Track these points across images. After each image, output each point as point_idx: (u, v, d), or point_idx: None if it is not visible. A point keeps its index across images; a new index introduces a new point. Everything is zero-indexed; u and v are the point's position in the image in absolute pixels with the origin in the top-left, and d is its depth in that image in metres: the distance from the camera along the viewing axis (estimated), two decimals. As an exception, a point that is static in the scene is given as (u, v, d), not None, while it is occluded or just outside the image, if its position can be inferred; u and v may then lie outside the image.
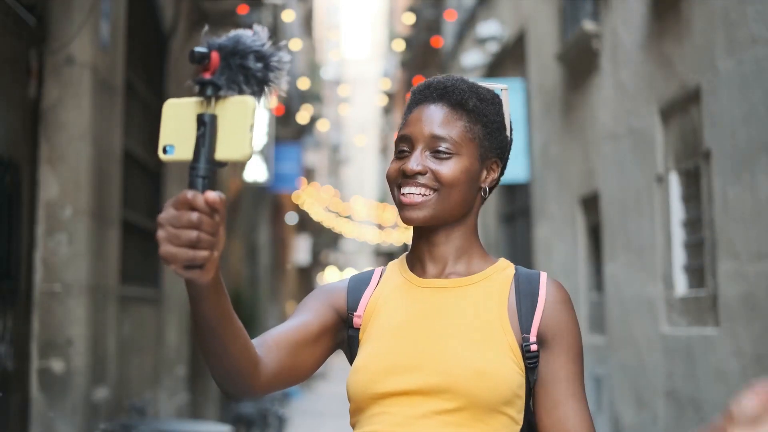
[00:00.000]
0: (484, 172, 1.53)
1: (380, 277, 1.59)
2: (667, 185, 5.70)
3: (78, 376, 4.24)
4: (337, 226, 26.66)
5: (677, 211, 5.63)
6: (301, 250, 23.07)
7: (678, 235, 5.61)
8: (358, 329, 1.53)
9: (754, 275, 4.37)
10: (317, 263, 30.55)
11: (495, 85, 1.59)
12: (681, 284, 5.56)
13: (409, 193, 1.48)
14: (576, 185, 7.72)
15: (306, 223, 23.38)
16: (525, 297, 1.48)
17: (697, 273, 5.35)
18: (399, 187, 1.50)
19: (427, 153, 1.49)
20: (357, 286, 1.57)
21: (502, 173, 1.58)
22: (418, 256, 1.55)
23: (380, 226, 29.85)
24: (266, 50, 1.15)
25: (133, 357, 5.68)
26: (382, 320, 1.50)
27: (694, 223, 5.40)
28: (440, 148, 1.48)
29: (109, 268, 4.79)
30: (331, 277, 37.66)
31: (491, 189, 1.57)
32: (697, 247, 5.33)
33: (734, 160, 4.61)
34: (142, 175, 6.32)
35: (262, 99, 1.16)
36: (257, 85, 1.15)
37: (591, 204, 7.43)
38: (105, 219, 4.68)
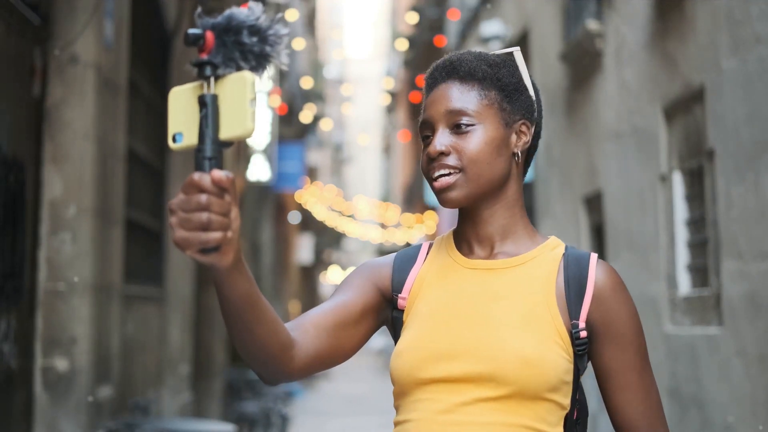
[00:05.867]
0: (514, 137, 1.48)
1: (427, 253, 1.55)
2: (671, 184, 5.69)
3: (82, 374, 4.24)
4: (340, 225, 26.66)
5: (681, 211, 5.62)
6: (303, 249, 23.08)
7: (681, 234, 5.60)
8: (403, 310, 1.50)
9: (757, 274, 4.37)
10: (320, 262, 30.58)
11: (506, 50, 1.55)
12: (684, 283, 5.55)
13: (440, 176, 1.44)
14: (579, 184, 7.72)
15: (309, 222, 23.40)
16: (573, 281, 1.44)
17: (700, 272, 5.34)
18: (430, 174, 1.46)
19: (448, 131, 1.45)
20: (402, 265, 1.53)
21: (538, 135, 1.53)
22: (464, 236, 1.52)
23: (383, 225, 29.83)
24: (261, 24, 1.13)
25: (136, 356, 5.69)
26: (427, 302, 1.47)
27: (697, 223, 5.40)
28: (460, 122, 1.45)
29: (113, 266, 4.80)
30: (334, 276, 37.66)
31: (530, 154, 1.53)
32: (700, 246, 5.33)
33: (738, 159, 4.60)
34: (146, 174, 6.33)
35: (262, 73, 1.15)
36: (255, 60, 1.13)
37: (594, 203, 7.43)
38: (109, 218, 4.69)
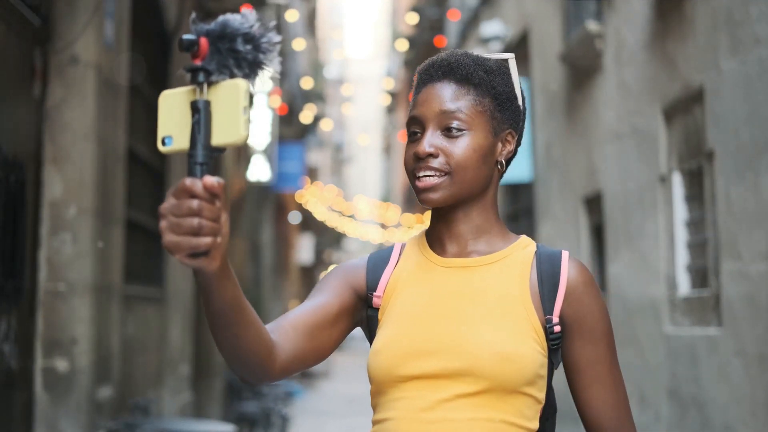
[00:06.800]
0: (499, 145, 1.50)
1: (400, 254, 1.57)
2: (671, 185, 5.70)
3: (82, 375, 4.25)
4: (340, 226, 26.68)
5: (680, 211, 5.63)
6: (304, 249, 23.09)
7: (681, 235, 5.61)
8: (378, 309, 1.52)
9: (756, 275, 4.37)
10: (320, 262, 30.57)
11: (501, 55, 1.56)
12: (684, 284, 5.56)
13: (424, 176, 1.46)
14: (579, 185, 7.72)
15: (309, 223, 23.40)
16: (547, 277, 1.47)
17: (700, 273, 5.35)
18: (414, 173, 1.48)
19: (439, 132, 1.46)
20: (376, 265, 1.56)
21: (518, 143, 1.55)
22: (437, 234, 1.53)
23: (383, 225, 29.86)
24: (255, 32, 1.14)
25: (137, 356, 5.69)
26: (403, 301, 1.49)
27: (697, 223, 5.40)
28: (452, 126, 1.45)
29: (113, 267, 4.80)
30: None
31: (508, 161, 1.54)
32: (700, 247, 5.34)
33: (737, 160, 4.61)
34: (146, 175, 6.33)
35: (256, 81, 1.16)
36: (248, 67, 1.14)
37: (594, 204, 7.43)
38: (109, 218, 4.69)
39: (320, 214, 22.65)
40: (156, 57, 6.65)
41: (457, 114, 1.46)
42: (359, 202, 28.49)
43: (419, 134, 1.49)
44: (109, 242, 4.69)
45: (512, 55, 1.57)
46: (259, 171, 12.34)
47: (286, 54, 14.66)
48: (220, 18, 1.15)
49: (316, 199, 21.20)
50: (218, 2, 7.72)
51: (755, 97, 4.43)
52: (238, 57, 1.13)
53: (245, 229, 12.47)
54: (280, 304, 18.72)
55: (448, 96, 1.48)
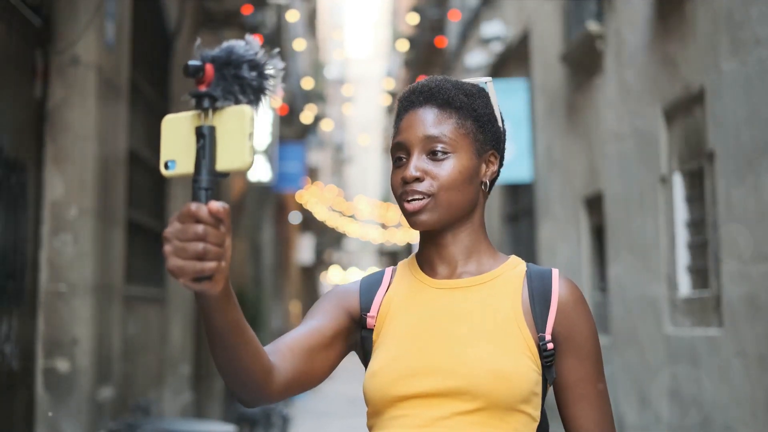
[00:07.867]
0: (483, 167, 1.54)
1: (391, 277, 1.59)
2: (671, 186, 5.70)
3: (83, 375, 4.25)
4: (341, 226, 26.67)
5: (681, 212, 5.63)
6: (304, 249, 23.09)
7: (682, 235, 5.61)
8: (372, 330, 1.53)
9: (757, 276, 4.38)
10: (321, 262, 30.58)
11: (479, 79, 1.61)
12: (685, 285, 5.56)
13: (412, 200, 1.48)
14: (580, 185, 7.73)
15: (309, 223, 23.40)
16: (538, 296, 1.49)
17: (700, 274, 5.35)
18: (402, 197, 1.50)
19: (424, 156, 1.49)
20: (369, 288, 1.57)
21: (501, 164, 1.58)
22: (427, 258, 1.56)
23: (383, 226, 29.85)
24: (259, 59, 1.16)
25: (137, 356, 5.69)
26: (397, 322, 1.51)
27: (697, 224, 5.41)
28: (436, 149, 1.48)
29: (114, 267, 4.81)
30: (334, 276, 37.70)
31: (492, 182, 1.57)
32: (700, 247, 5.34)
33: (738, 161, 4.61)
34: (147, 175, 6.34)
35: (260, 107, 1.17)
36: (253, 93, 1.16)
37: (595, 204, 7.44)
38: (110, 219, 4.69)
39: (320, 214, 22.64)
40: (157, 57, 6.65)
41: (441, 138, 1.49)
42: (360, 202, 28.48)
43: (405, 159, 1.52)
44: (110, 243, 4.70)
45: (490, 78, 1.61)
46: (259, 171, 12.33)
47: (286, 54, 14.65)
48: (225, 44, 1.16)
49: (316, 199, 21.20)
50: (218, 3, 7.72)
51: (755, 97, 4.43)
52: (243, 83, 1.15)
53: (245, 229, 12.47)
54: (281, 304, 18.72)
55: (431, 121, 1.51)
